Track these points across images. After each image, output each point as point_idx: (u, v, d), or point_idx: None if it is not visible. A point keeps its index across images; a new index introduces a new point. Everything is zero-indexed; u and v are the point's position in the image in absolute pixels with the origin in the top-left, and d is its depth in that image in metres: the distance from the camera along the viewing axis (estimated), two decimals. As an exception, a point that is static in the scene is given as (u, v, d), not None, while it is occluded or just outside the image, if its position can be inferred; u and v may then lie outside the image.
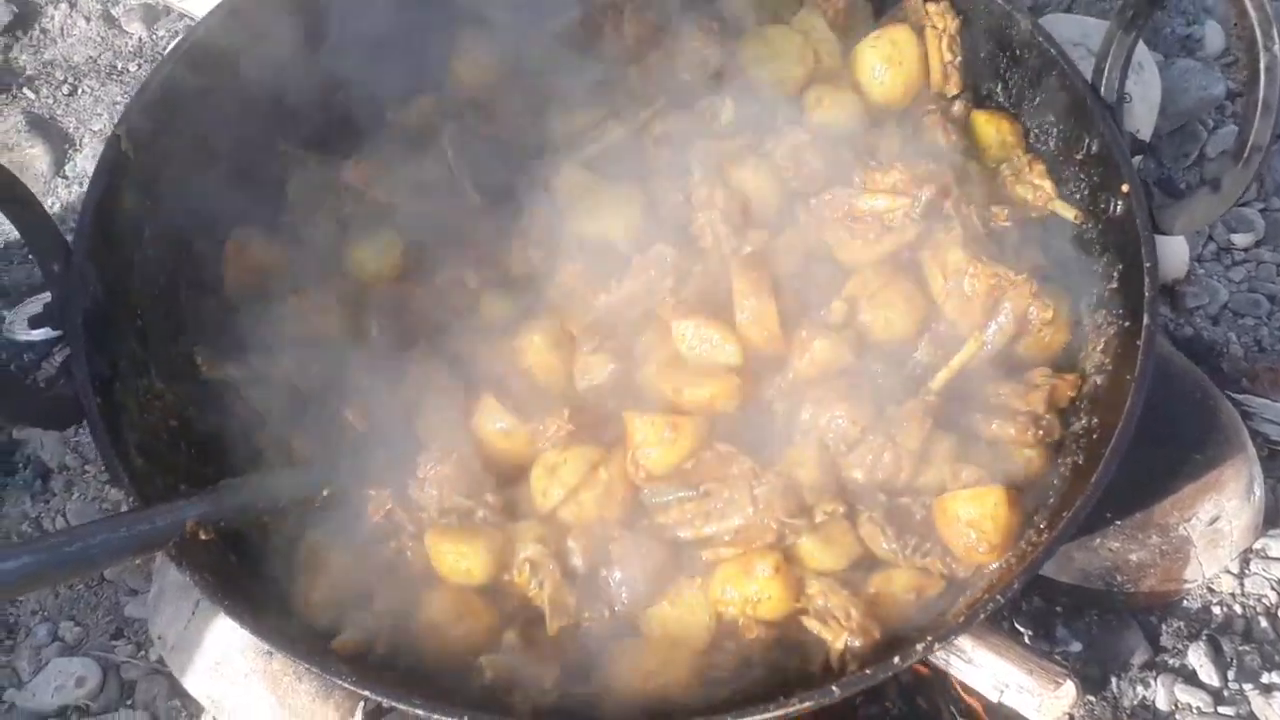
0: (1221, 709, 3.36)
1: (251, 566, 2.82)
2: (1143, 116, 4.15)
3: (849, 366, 2.93)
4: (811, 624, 2.71)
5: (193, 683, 3.33)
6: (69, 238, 2.95)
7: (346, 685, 2.53)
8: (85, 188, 3.06)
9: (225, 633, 3.23)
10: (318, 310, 3.13)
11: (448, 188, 3.32)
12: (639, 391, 2.97)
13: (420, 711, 2.49)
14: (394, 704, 2.53)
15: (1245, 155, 2.78)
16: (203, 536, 2.56)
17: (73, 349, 2.81)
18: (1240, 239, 4.37)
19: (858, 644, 2.63)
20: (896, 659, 2.51)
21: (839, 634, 2.66)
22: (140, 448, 2.83)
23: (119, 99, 4.76)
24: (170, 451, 2.95)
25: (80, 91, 4.86)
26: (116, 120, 3.10)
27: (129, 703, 3.52)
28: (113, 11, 5.05)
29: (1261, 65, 2.65)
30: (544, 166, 3.28)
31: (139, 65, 4.90)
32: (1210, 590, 3.57)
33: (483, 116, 3.40)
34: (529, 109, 3.42)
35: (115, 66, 4.93)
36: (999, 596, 2.55)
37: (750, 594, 2.72)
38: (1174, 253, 4.13)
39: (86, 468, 3.93)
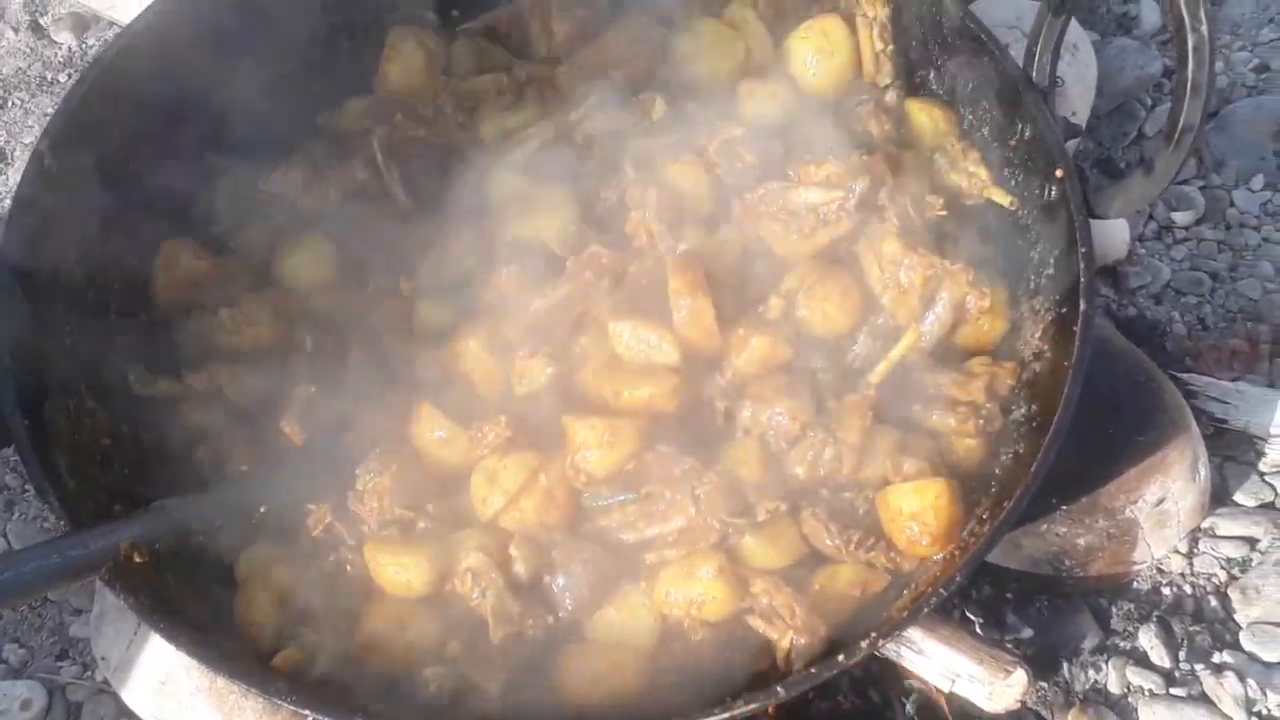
0: (1173, 690, 3.37)
1: (190, 585, 2.78)
2: (1079, 98, 4.14)
3: (788, 362, 2.93)
4: (757, 623, 2.70)
5: (138, 703, 3.29)
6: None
7: (286, 705, 2.51)
8: (13, 204, 3.01)
9: (168, 652, 3.19)
10: (250, 322, 3.10)
11: (379, 193, 3.30)
12: (578, 395, 2.94)
13: (363, 728, 2.47)
14: (336, 721, 2.51)
15: (1177, 136, 2.78)
16: (137, 559, 2.53)
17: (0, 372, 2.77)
18: (1181, 217, 4.37)
19: (803, 642, 2.62)
20: (841, 657, 2.51)
21: (784, 633, 2.65)
22: (71, 468, 2.79)
23: (50, 110, 4.69)
24: (103, 471, 2.91)
25: (10, 104, 4.79)
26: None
27: (76, 725, 3.48)
28: (41, 21, 4.97)
29: (1190, 46, 2.64)
30: (475, 170, 3.25)
31: (69, 75, 4.83)
32: (1159, 571, 3.57)
33: (412, 120, 3.36)
34: (459, 111, 3.38)
35: (45, 77, 4.86)
36: (942, 589, 2.54)
37: (694, 595, 2.71)
38: (1114, 233, 4.13)
39: (26, 487, 3.87)
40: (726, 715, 2.44)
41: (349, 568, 2.82)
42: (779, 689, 2.45)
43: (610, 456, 2.80)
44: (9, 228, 2.93)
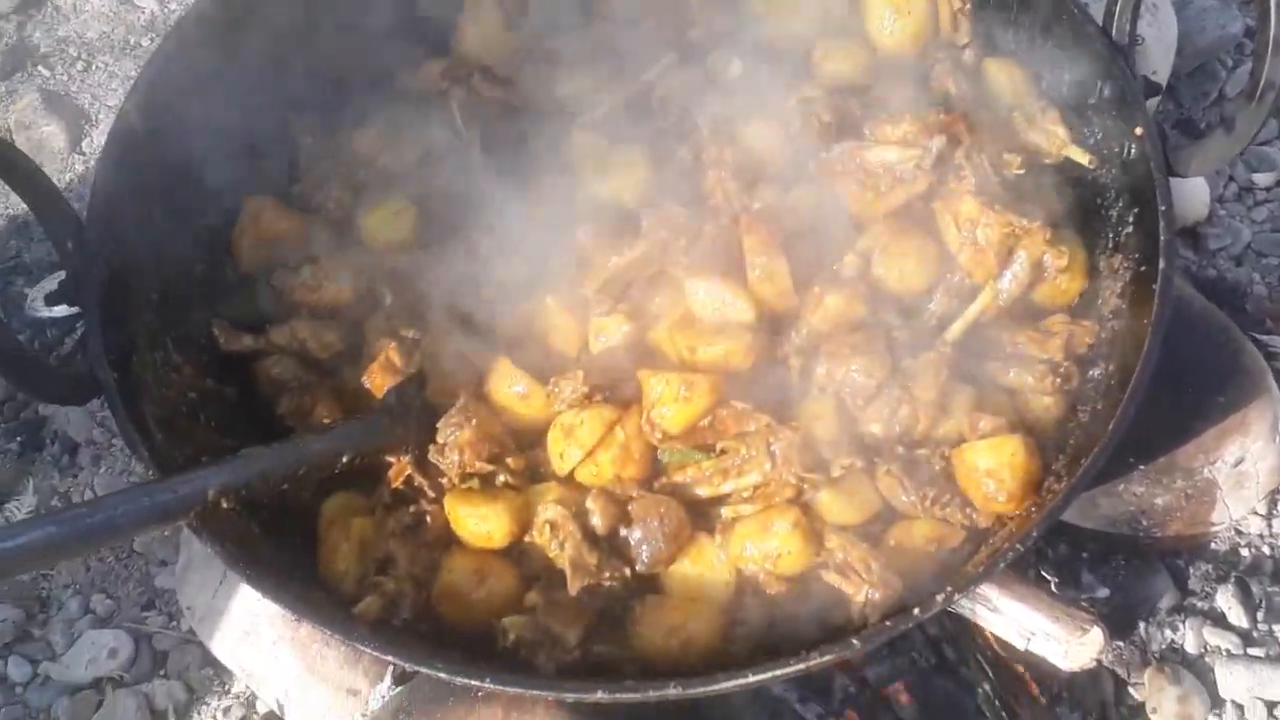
0: (1251, 650, 3.35)
1: (274, 535, 2.83)
2: (1159, 57, 4.10)
3: (863, 320, 2.92)
4: (832, 578, 2.70)
5: (223, 651, 3.37)
6: (85, 214, 2.95)
7: (369, 651, 2.55)
8: (100, 164, 3.07)
9: (252, 601, 3.27)
10: (331, 280, 3.15)
11: (457, 154, 3.32)
12: (653, 352, 2.97)
13: (443, 675, 2.50)
14: (418, 668, 2.54)
15: (1258, 94, 2.75)
16: (224, 505, 2.56)
17: (87, 325, 2.82)
18: (1262, 178, 4.32)
19: (878, 597, 2.62)
20: (917, 610, 2.51)
21: (860, 587, 2.65)
22: (159, 421, 2.83)
23: (133, 73, 4.76)
24: (189, 424, 2.96)
25: (94, 67, 4.87)
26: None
27: (162, 673, 3.55)
28: (124, -14, 5.06)
29: (1271, 3, 2.61)
30: (552, 129, 3.27)
31: (151, 39, 4.91)
32: (1237, 532, 3.55)
33: (490, 81, 3.38)
34: (536, 72, 3.40)
35: (129, 41, 4.94)
36: (1019, 545, 2.53)
37: (770, 550, 2.72)
38: (1194, 194, 4.10)
39: (113, 441, 3.95)
40: (803, 666, 2.44)
41: (429, 519, 2.85)
42: (855, 641, 2.46)
43: (685, 412, 2.81)
44: (96, 187, 2.98)
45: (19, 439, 4.01)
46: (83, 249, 2.88)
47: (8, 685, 3.57)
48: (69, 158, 4.62)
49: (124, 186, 3.02)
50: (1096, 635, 2.87)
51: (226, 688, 3.49)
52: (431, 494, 2.87)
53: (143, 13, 4.98)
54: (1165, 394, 2.75)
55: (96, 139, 4.64)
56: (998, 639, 3.03)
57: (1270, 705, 3.27)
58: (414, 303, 3.11)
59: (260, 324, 3.14)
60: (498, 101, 3.38)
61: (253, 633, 3.29)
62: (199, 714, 3.48)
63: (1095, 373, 2.94)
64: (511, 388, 2.93)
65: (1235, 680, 3.29)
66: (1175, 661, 3.35)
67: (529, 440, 2.95)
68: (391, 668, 3.22)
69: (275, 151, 3.40)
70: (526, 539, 2.81)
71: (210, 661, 3.48)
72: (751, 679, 2.44)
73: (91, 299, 2.83)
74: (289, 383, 3.07)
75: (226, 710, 3.46)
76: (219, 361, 3.12)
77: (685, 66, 3.35)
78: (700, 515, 2.84)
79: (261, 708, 3.43)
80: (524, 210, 3.16)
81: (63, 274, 2.89)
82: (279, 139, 3.42)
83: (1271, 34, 2.66)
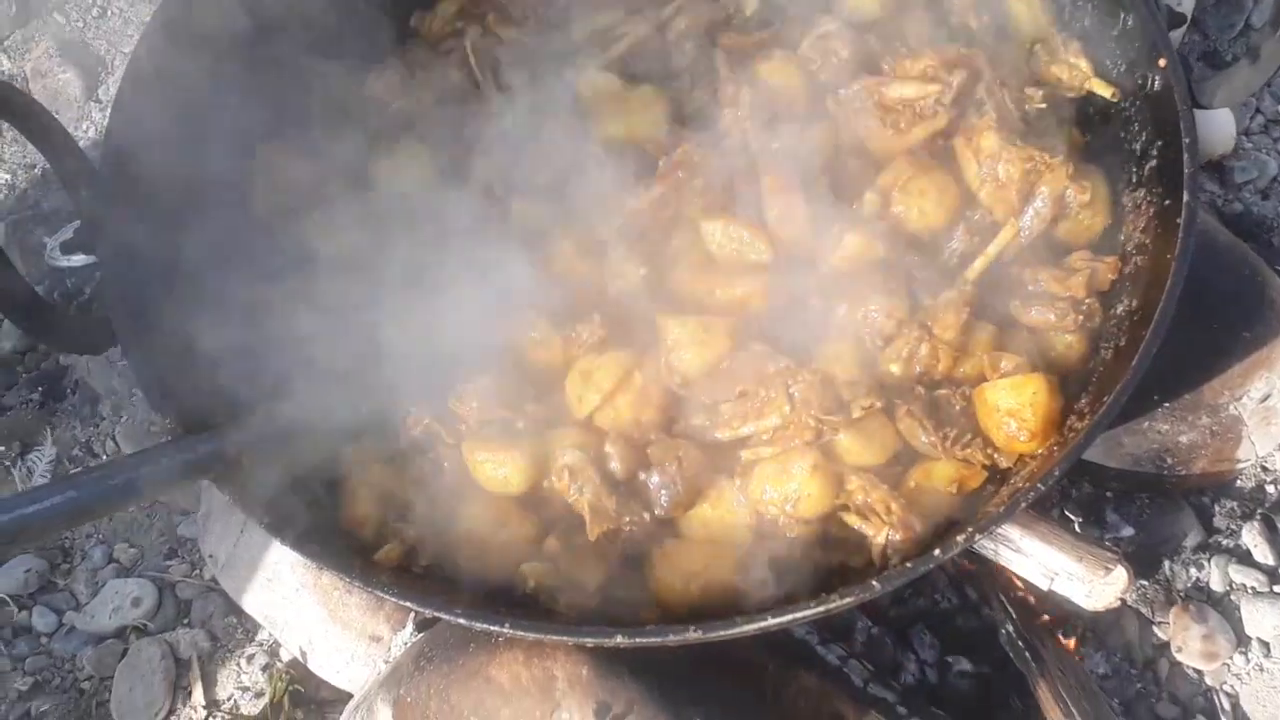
0: (1277, 587, 3.34)
1: (295, 484, 2.82)
2: (1184, -13, 4.04)
3: (882, 259, 2.88)
4: (852, 520, 2.69)
5: (246, 599, 3.38)
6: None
7: (389, 598, 2.55)
8: (116, 111, 3.04)
9: (274, 549, 3.28)
10: (346, 225, 3.12)
11: (473, 95, 3.29)
12: (671, 294, 2.94)
13: (462, 621, 2.50)
14: (437, 614, 2.54)
15: (1284, 23, 2.71)
16: (244, 462, 2.57)
17: (102, 274, 2.81)
18: (1289, 110, 4.27)
19: (899, 538, 2.61)
20: (937, 551, 2.49)
21: (880, 529, 2.64)
22: (177, 371, 2.82)
23: (148, 18, 4.72)
24: (208, 373, 2.94)
25: (109, 13, 4.84)
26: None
27: (185, 621, 3.58)
28: (140, -68, 5.02)
29: (1298, -70, 2.57)
30: (568, 70, 3.23)
31: (164, -16, 4.87)
32: (1264, 469, 3.52)
33: (504, 21, 3.34)
34: (550, 10, 3.36)
35: (141, -13, 4.91)
36: (1040, 485, 2.50)
37: (790, 492, 2.70)
38: (1220, 127, 4.04)
39: (134, 391, 3.95)
40: (823, 609, 2.44)
41: (447, 464, 2.84)
42: (875, 583, 2.45)
43: (704, 355, 2.79)
44: (110, 133, 2.97)
45: (40, 389, 4.02)
46: (97, 198, 2.87)
47: (33, 635, 3.60)
48: (85, 105, 4.60)
49: (137, 135, 2.99)
50: (1120, 574, 2.85)
51: (250, 635, 3.52)
52: (450, 440, 2.85)
53: (157, -43, 4.94)
54: (1190, 330, 2.73)
55: (112, 86, 4.62)
56: (1021, 579, 3.02)
57: (1296, 642, 3.26)
58: (430, 247, 3.08)
59: (276, 272, 3.11)
60: (513, 42, 3.34)
61: (275, 580, 3.31)
62: (223, 662, 3.50)
63: (1119, 309, 2.90)
64: (529, 333, 2.91)
65: (1261, 618, 3.28)
66: (1200, 600, 3.34)
67: (547, 386, 2.93)
68: (413, 614, 3.22)
69: (288, 96, 3.36)
70: (545, 484, 2.80)
71: (233, 609, 3.50)
72: (771, 622, 2.44)
73: (106, 248, 2.82)
74: (305, 332, 3.02)
75: (250, 658, 3.49)
76: (237, 310, 3.06)
77: (701, 2, 3.28)
78: (719, 458, 2.82)
79: (285, 655, 3.45)
80: (540, 152, 3.13)
81: (78, 223, 2.88)
82: (294, 84, 3.38)
83: (1298, -38, 2.62)
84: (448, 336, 2.94)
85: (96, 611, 3.58)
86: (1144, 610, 3.33)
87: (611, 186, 3.00)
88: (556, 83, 3.23)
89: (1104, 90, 3.09)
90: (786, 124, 3.05)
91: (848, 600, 2.44)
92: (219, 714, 3.45)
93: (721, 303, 2.86)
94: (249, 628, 3.51)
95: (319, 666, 3.30)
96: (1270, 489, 3.49)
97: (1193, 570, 3.38)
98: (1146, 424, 3.35)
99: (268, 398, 2.76)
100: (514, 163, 3.13)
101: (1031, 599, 3.23)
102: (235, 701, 3.47)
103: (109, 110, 4.35)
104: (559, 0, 3.38)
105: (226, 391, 2.90)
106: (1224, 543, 3.42)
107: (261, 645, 3.50)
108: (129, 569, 3.68)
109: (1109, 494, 3.46)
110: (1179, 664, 3.28)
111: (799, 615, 2.46)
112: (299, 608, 3.27)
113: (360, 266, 3.11)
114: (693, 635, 2.42)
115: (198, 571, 3.62)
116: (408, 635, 3.21)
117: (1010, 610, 3.12)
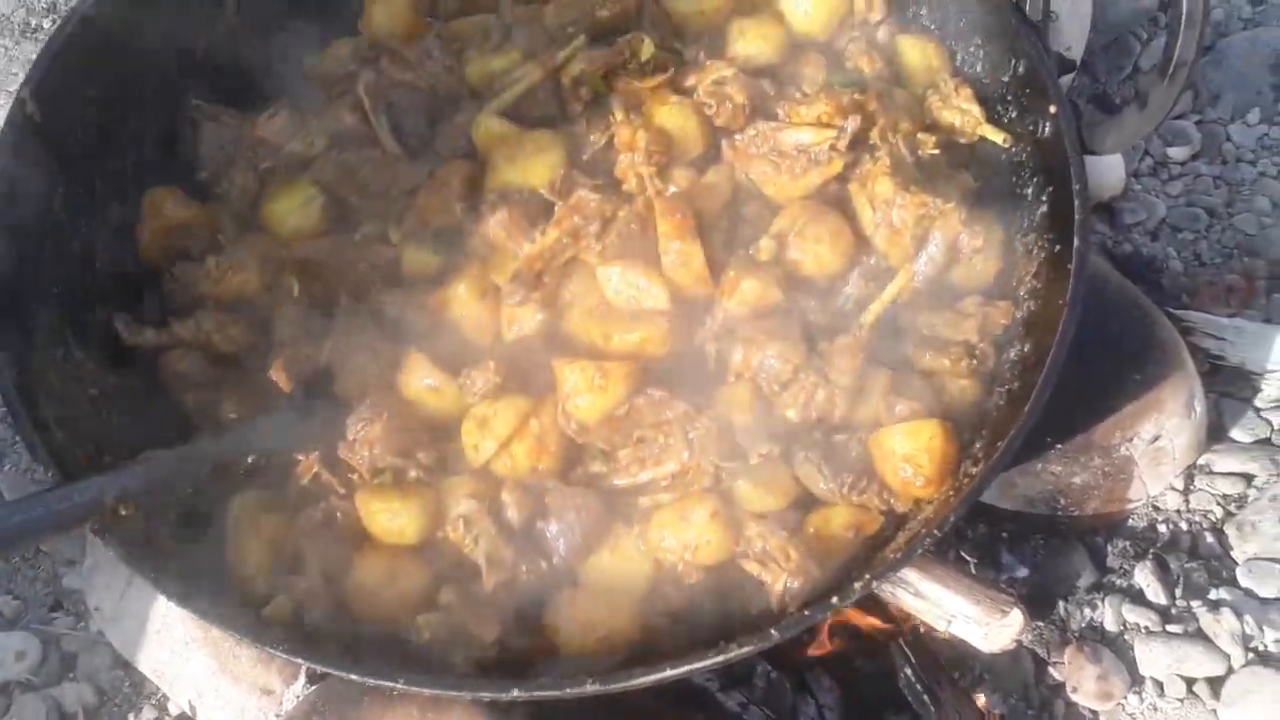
0: (1170, 627, 3.37)
1: (181, 535, 2.77)
2: (1074, 32, 4.10)
3: (779, 305, 2.88)
4: (752, 567, 2.69)
5: (134, 653, 3.31)
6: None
7: (280, 655, 2.51)
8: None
9: (162, 601, 3.19)
10: (235, 270, 3.06)
11: (366, 139, 3.26)
12: (568, 340, 2.92)
13: (355, 677, 2.45)
14: (329, 670, 2.50)
15: (1171, 70, 2.78)
16: (123, 512, 2.50)
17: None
18: (1177, 152, 4.35)
19: (797, 584, 2.61)
20: (835, 599, 2.50)
21: (779, 576, 2.63)
22: (60, 420, 2.76)
23: (33, 57, 4.63)
24: (92, 422, 2.88)
25: (-8, 49, 4.75)
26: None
27: (71, 675, 3.48)
28: (24, -32, 4.92)
29: (1183, -22, 2.62)
30: (463, 114, 3.21)
31: (52, 21, 4.79)
32: (1155, 509, 3.57)
33: (399, 63, 3.31)
34: (445, 54, 3.32)
35: (29, 24, 4.83)
36: (936, 530, 2.52)
37: (689, 539, 2.70)
38: (1110, 169, 4.11)
39: (17, 439, 3.85)
40: (722, 658, 2.43)
41: (339, 515, 2.79)
42: (774, 631, 2.44)
43: (601, 401, 2.77)
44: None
45: (-83, 440, 3.91)
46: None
47: (-88, 690, 3.48)
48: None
49: (20, 178, 2.94)
50: (1016, 617, 2.88)
51: (138, 689, 3.42)
52: (342, 490, 2.81)
53: (43, -6, 4.86)
54: (1081, 372, 2.76)
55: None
56: (920, 621, 3.03)
57: (1189, 681, 3.29)
58: (322, 294, 3.04)
59: (164, 318, 3.05)
60: (407, 85, 3.30)
61: (163, 632, 3.23)
62: (110, 716, 3.40)
63: (1011, 354, 2.93)
64: (423, 380, 2.87)
65: (1154, 657, 3.31)
66: (1095, 640, 3.36)
67: (442, 434, 2.89)
68: (305, 667, 3.16)
69: (178, 139, 3.32)
70: (440, 534, 2.76)
71: (121, 663, 3.41)
72: (670, 673, 2.43)
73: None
74: (194, 378, 3.00)
75: (138, 712, 3.39)
76: (123, 356, 3.03)
77: (597, 47, 3.28)
78: (618, 506, 2.80)
79: (174, 709, 3.36)
80: (434, 197, 3.09)
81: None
82: (182, 126, 3.34)
83: (1184, 8, 2.68)
84: (338, 382, 2.91)
85: (-22, 666, 3.48)
86: (1040, 650, 3.34)
87: (506, 232, 2.97)
88: (451, 127, 3.21)
89: (995, 136, 3.13)
90: (682, 169, 3.05)
91: (745, 650, 2.44)
92: (106, 770, 3.37)
93: (618, 348, 2.84)
94: (137, 681, 3.41)
95: (209, 721, 3.22)
96: (1162, 528, 3.53)
97: (1087, 610, 3.40)
98: (1040, 466, 3.38)
99: (151, 444, 2.70)
100: (407, 207, 3.10)
101: (930, 641, 3.23)
102: (123, 757, 3.38)
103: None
104: (453, 43, 3.34)
105: (110, 438, 2.85)
106: (1117, 582, 3.45)
107: (150, 699, 3.40)
108: (13, 621, 3.57)
109: (1004, 535, 3.48)
110: (1074, 704, 3.29)
111: (697, 665, 2.45)
112: (188, 660, 3.20)
113: (249, 311, 3.06)
114: (590, 688, 2.40)
115: (83, 624, 3.52)
116: (300, 688, 3.14)
117: (909, 653, 3.12)
